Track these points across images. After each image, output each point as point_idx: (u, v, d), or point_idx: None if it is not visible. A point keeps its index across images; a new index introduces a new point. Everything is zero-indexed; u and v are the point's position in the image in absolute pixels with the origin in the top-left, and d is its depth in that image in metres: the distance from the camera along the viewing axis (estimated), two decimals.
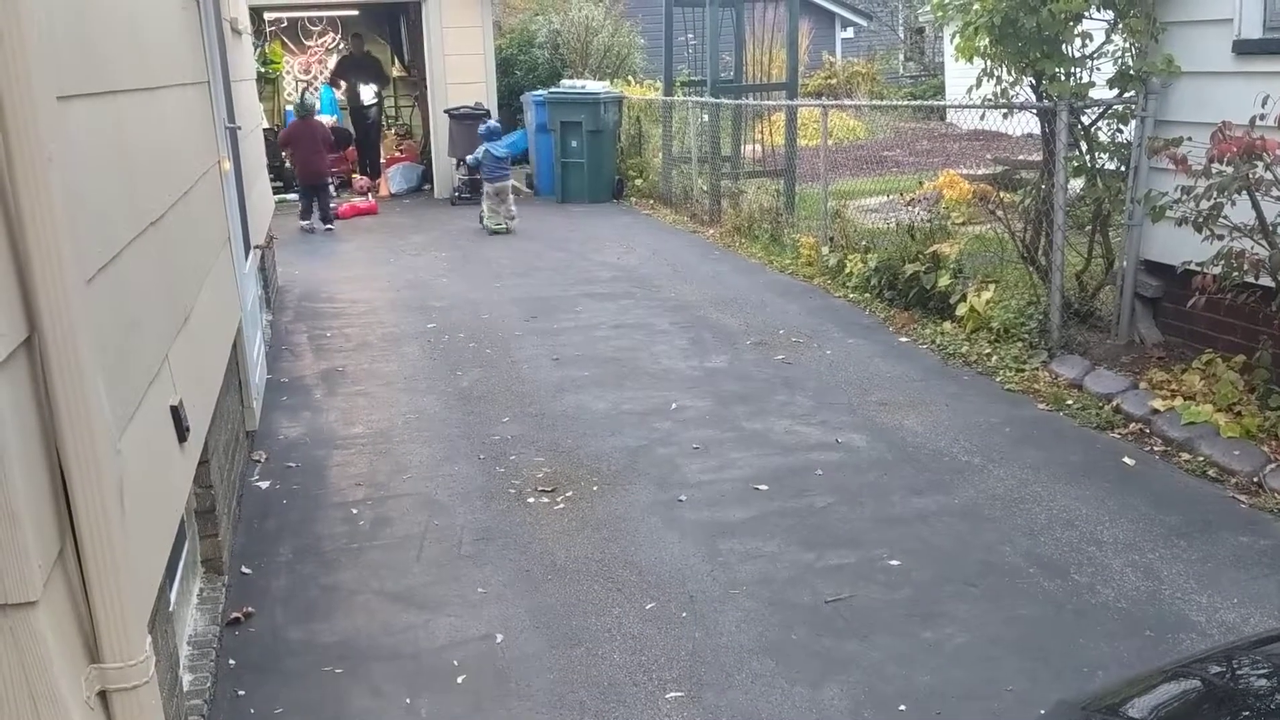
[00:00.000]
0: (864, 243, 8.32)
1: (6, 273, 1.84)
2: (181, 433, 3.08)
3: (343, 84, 15.40)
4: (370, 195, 14.07)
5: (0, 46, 1.77)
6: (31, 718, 1.83)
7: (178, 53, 4.12)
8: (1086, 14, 6.04)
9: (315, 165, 11.86)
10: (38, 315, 1.88)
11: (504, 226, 11.47)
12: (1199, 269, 4.97)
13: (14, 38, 1.78)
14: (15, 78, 1.79)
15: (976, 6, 6.19)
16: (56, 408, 1.91)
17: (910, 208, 7.83)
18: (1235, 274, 4.85)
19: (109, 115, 2.75)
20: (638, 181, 13.77)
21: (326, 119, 15.50)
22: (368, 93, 15.25)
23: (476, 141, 12.12)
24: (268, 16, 15.72)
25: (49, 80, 1.93)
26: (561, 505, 4.59)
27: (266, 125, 12.32)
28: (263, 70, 13.32)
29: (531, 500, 4.65)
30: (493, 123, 12.07)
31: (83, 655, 1.97)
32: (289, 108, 15.63)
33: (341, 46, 16.99)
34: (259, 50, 13.68)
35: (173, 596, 3.23)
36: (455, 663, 3.45)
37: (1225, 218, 4.87)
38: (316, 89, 16.40)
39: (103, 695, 1.99)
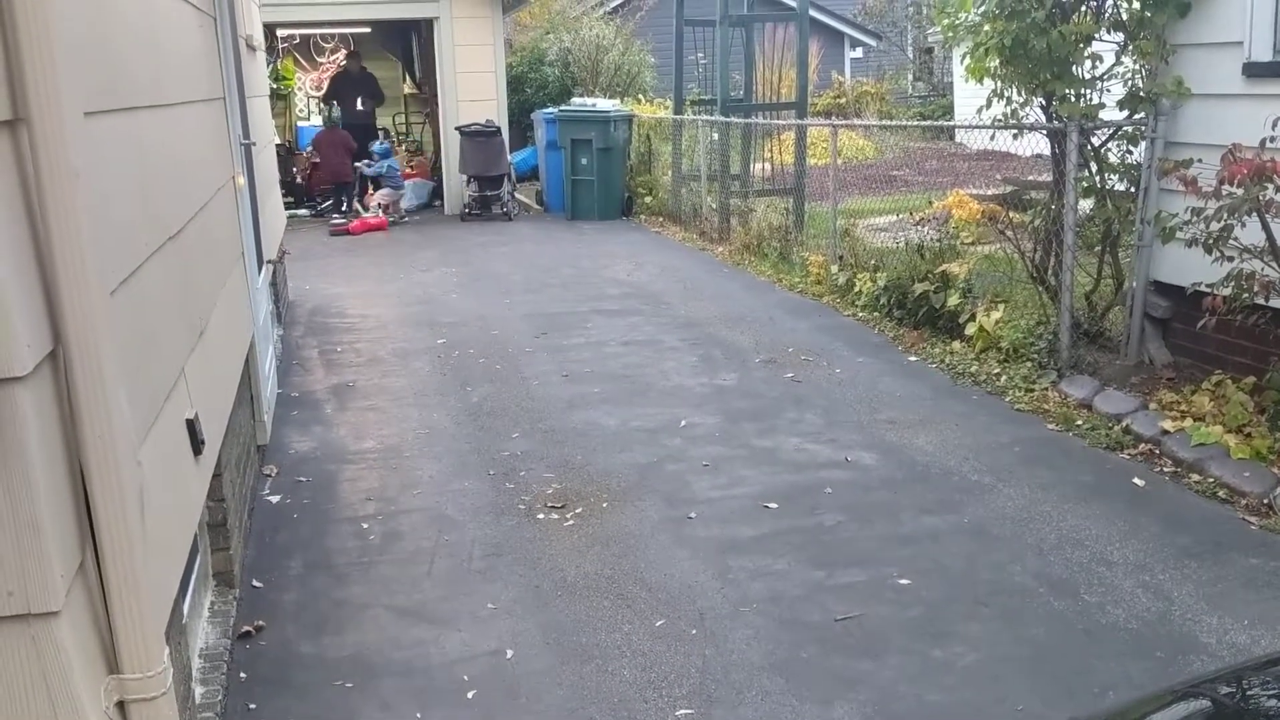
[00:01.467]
0: (873, 261, 8.33)
1: (33, 285, 1.87)
2: (196, 445, 3.10)
3: (335, 103, 15.46)
4: (381, 211, 14.12)
5: (31, 64, 1.81)
6: None
7: (196, 69, 4.17)
8: (1097, 36, 6.07)
9: (337, 167, 13.82)
10: (63, 327, 1.91)
11: (392, 218, 13.66)
12: (1209, 290, 4.98)
13: (45, 55, 1.82)
14: (45, 94, 1.83)
15: (987, 28, 6.22)
16: (79, 419, 1.94)
17: (919, 227, 7.85)
18: (1245, 295, 4.86)
19: (131, 131, 2.79)
20: (647, 199, 13.81)
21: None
22: (362, 109, 15.44)
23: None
24: (281, 33, 15.84)
25: (77, 96, 1.96)
26: (571, 521, 4.60)
27: (279, 141, 12.45)
28: (276, 86, 13.44)
29: (541, 516, 4.66)
30: (385, 144, 14.19)
31: (102, 665, 1.99)
32: (301, 124, 16.00)
33: (341, 63, 17.13)
34: (272, 67, 13.80)
35: (185, 609, 3.24)
36: (465, 678, 3.46)
37: (1235, 239, 4.88)
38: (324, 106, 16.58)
39: (121, 705, 2.01)
